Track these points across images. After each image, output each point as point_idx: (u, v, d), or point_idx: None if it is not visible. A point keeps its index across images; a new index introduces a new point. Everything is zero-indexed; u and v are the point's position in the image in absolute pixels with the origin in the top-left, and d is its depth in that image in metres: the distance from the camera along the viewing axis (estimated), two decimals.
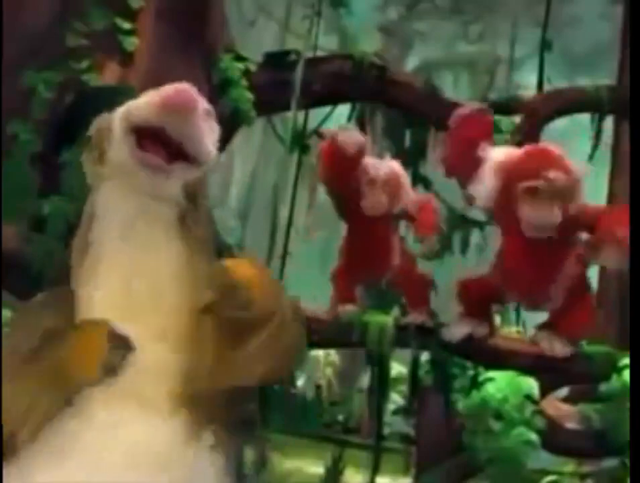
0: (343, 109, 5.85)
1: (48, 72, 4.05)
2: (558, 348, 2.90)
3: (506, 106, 5.37)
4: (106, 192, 1.63)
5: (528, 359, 3.04)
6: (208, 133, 1.62)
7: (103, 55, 4.31)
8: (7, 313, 2.95)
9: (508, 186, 2.70)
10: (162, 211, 1.61)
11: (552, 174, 2.61)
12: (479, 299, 3.00)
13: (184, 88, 1.57)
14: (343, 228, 3.48)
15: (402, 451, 4.76)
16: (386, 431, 4.22)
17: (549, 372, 2.99)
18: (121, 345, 1.52)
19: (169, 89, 1.57)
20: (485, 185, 2.76)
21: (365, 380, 5.70)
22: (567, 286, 2.82)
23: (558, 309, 2.87)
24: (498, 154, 2.80)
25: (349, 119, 5.81)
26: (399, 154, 5.57)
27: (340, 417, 6.91)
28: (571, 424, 3.20)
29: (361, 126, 5.80)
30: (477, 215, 5.40)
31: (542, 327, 3.03)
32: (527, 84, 7.37)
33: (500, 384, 2.95)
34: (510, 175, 2.71)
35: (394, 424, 5.24)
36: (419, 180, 5.58)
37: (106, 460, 1.47)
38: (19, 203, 3.79)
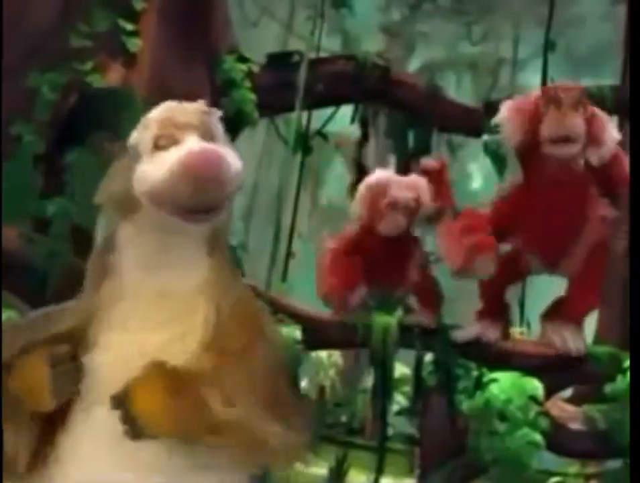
0: (346, 110, 5.84)
1: (52, 74, 4.05)
2: (571, 341, 2.90)
3: None
4: (129, 227, 1.60)
5: (533, 360, 3.04)
6: (233, 173, 1.55)
7: (106, 56, 4.31)
8: (11, 314, 2.95)
9: (532, 117, 2.77)
10: (190, 237, 1.59)
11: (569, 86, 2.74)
12: (499, 285, 3.01)
13: (206, 156, 1.48)
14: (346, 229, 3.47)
15: (406, 452, 4.75)
16: (390, 431, 4.21)
17: (553, 373, 2.99)
18: (67, 365, 1.48)
19: (192, 162, 1.46)
20: (509, 124, 2.80)
21: (368, 380, 5.69)
22: (589, 247, 2.83)
23: (575, 275, 2.87)
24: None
25: (352, 120, 5.80)
26: (402, 155, 5.57)
27: (344, 418, 6.90)
28: (575, 425, 3.18)
29: (364, 127, 5.80)
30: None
31: (546, 316, 3.02)
32: (531, 84, 7.35)
33: (504, 384, 2.94)
34: (531, 108, 2.79)
35: (398, 425, 5.23)
36: None
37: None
38: (23, 204, 3.79)
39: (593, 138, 2.73)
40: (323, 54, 5.90)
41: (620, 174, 2.79)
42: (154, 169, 1.51)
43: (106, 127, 3.80)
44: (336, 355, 7.69)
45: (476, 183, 10.29)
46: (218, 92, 4.96)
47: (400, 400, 5.63)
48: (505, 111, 2.88)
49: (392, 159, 5.70)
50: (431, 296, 3.31)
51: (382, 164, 5.57)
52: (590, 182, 2.83)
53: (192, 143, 1.51)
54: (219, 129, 1.63)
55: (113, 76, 4.31)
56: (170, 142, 1.53)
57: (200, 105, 1.63)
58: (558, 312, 3.00)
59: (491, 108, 5.45)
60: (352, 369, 7.86)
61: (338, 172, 9.96)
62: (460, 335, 3.08)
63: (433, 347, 3.22)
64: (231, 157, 1.56)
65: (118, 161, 1.65)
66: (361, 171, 5.53)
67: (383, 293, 3.47)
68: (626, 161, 2.76)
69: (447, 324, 3.24)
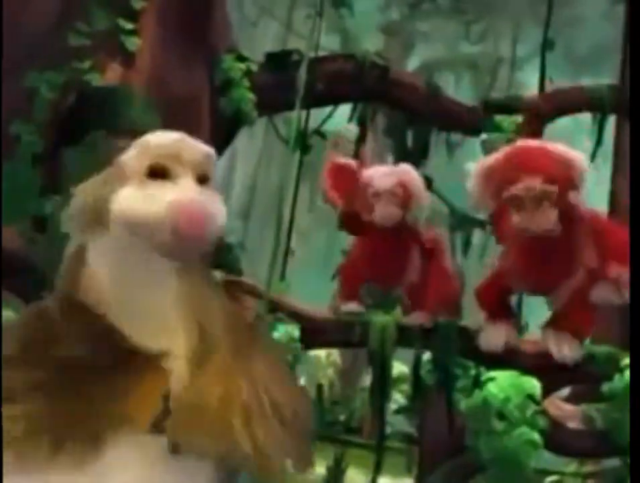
0: (345, 109, 5.85)
1: (51, 73, 4.06)
2: (566, 350, 2.90)
3: (507, 106, 5.37)
4: (101, 246, 1.58)
5: (531, 359, 3.04)
6: (217, 226, 1.54)
7: (105, 55, 4.32)
8: (11, 314, 2.95)
9: (497, 192, 2.63)
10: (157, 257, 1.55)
11: (529, 180, 2.48)
12: (499, 297, 3.01)
13: (194, 212, 1.47)
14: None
15: (405, 451, 4.75)
16: (388, 430, 4.22)
17: (552, 372, 2.99)
18: (168, 406, 1.47)
19: (180, 214, 1.45)
20: (476, 191, 2.73)
21: (367, 379, 5.70)
22: (575, 288, 2.84)
23: (562, 306, 2.89)
24: (485, 160, 2.75)
25: (351, 119, 5.80)
26: (401, 154, 5.57)
27: (342, 417, 6.91)
28: (573, 424, 3.19)
29: (363, 126, 5.80)
30: (480, 214, 5.40)
31: (547, 324, 3.03)
32: (529, 83, 7.37)
33: (502, 383, 2.94)
34: (496, 182, 2.63)
35: (396, 423, 5.23)
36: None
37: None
38: (22, 203, 3.79)
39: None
40: (322, 53, 5.90)
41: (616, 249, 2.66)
42: (140, 200, 1.48)
43: (105, 126, 3.80)
44: (334, 354, 7.71)
45: None
46: (217, 91, 4.97)
47: (398, 399, 5.64)
48: (473, 179, 2.74)
49: (390, 158, 5.70)
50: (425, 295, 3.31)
51: (380, 162, 5.57)
52: (575, 234, 2.76)
53: (186, 189, 1.48)
54: (213, 171, 1.60)
55: (112, 75, 4.31)
56: (165, 175, 1.51)
57: (204, 146, 1.59)
58: (558, 325, 3.00)
59: (490, 107, 5.48)
60: (350, 368, 7.87)
61: None
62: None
63: (431, 346, 3.22)
64: (217, 207, 1.54)
65: (99, 175, 1.62)
66: None
67: (382, 289, 3.48)
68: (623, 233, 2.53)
69: (446, 323, 3.24)
